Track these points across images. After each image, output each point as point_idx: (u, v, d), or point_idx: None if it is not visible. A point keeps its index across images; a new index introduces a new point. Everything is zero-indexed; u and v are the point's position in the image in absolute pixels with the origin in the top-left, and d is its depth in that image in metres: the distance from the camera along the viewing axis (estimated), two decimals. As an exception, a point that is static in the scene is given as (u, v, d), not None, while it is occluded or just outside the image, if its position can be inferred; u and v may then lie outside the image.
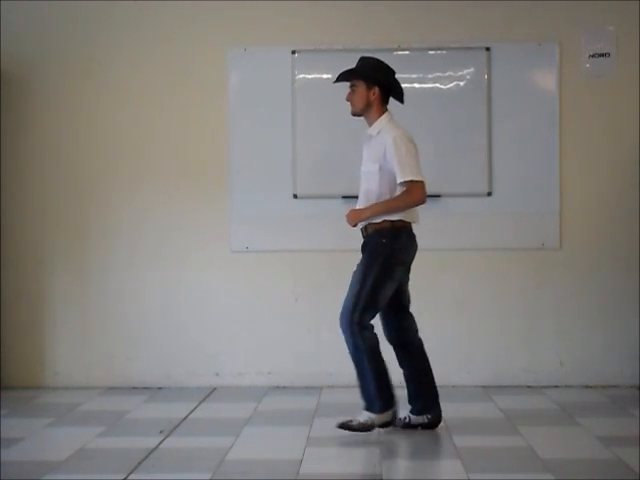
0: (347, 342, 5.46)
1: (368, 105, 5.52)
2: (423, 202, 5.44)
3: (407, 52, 6.97)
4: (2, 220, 7.11)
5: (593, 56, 6.98)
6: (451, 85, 6.98)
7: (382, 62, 5.56)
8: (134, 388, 7.02)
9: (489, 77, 6.95)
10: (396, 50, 6.92)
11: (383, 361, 5.47)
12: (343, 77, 5.57)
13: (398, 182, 5.41)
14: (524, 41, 6.98)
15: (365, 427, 5.43)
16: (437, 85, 6.98)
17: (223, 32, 7.05)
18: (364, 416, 5.45)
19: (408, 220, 5.48)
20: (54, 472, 4.78)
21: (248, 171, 7.03)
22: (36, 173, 7.12)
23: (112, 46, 7.09)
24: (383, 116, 5.52)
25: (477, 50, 6.95)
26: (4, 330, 7.09)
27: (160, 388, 7.04)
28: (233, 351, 7.08)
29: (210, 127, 7.08)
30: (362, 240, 5.55)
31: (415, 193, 5.40)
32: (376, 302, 5.44)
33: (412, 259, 5.58)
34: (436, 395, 5.63)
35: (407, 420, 5.60)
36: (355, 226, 5.54)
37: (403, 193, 5.42)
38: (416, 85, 6.93)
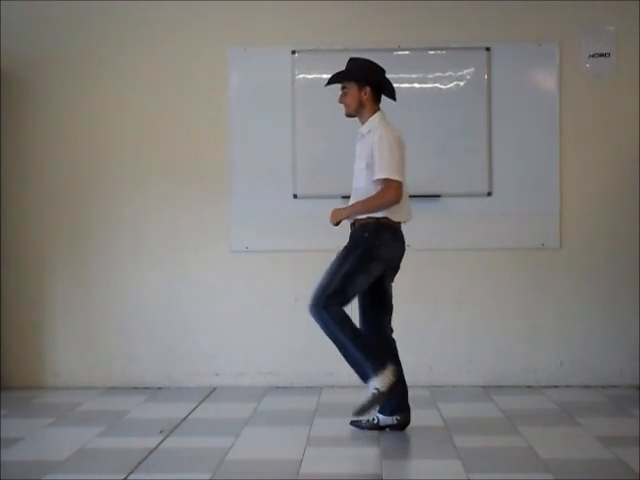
0: (316, 321, 5.42)
1: (361, 105, 5.53)
2: (397, 202, 5.37)
3: (407, 52, 6.97)
4: (2, 220, 7.11)
5: (593, 56, 6.98)
6: (451, 85, 6.97)
7: (372, 62, 5.56)
8: (134, 388, 7.02)
9: (489, 77, 6.95)
10: (396, 50, 6.92)
11: (356, 326, 5.43)
12: (334, 80, 5.59)
13: (373, 179, 5.41)
14: (524, 41, 6.97)
15: (375, 398, 5.31)
16: (437, 85, 6.98)
17: (223, 32, 7.05)
18: (369, 391, 5.34)
19: (395, 219, 5.45)
20: (54, 472, 4.78)
21: (248, 171, 7.03)
22: (36, 173, 7.12)
23: (112, 46, 7.09)
24: (374, 115, 5.52)
25: (477, 50, 6.95)
26: (4, 330, 7.09)
27: (160, 388, 7.04)
28: (233, 351, 7.08)
29: (210, 127, 7.08)
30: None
31: (388, 192, 5.37)
32: (346, 290, 5.41)
33: (397, 258, 5.52)
34: (406, 396, 5.55)
35: (375, 421, 5.53)
36: (337, 225, 5.54)
37: (378, 192, 5.41)
38: (416, 85, 6.94)
